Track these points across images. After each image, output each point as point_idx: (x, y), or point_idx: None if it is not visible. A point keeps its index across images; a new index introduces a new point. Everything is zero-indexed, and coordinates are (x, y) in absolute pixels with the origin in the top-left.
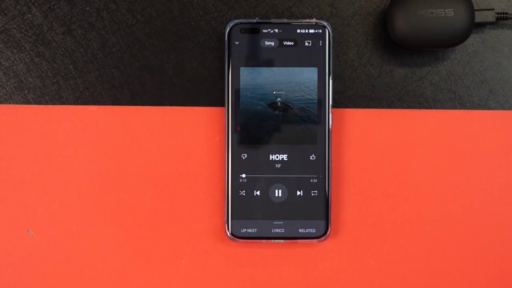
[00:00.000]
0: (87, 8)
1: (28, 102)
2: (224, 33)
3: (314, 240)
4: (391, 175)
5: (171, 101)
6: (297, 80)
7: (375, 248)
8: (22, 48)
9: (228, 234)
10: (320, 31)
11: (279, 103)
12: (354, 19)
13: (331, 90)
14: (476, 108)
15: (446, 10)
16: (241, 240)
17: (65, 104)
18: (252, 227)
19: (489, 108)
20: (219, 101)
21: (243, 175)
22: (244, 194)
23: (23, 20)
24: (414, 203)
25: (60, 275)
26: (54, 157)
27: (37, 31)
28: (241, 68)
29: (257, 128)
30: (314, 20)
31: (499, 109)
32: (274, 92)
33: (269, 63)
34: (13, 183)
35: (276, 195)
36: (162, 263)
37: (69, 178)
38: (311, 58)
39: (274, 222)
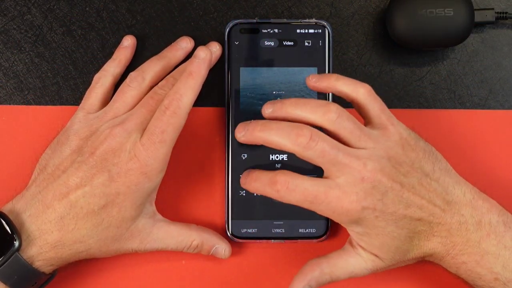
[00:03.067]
0: (87, 9)
1: (28, 102)
2: (224, 33)
3: (314, 240)
4: None
5: None
6: (297, 80)
7: None
8: (22, 48)
9: (228, 234)
10: (320, 31)
11: None
12: (353, 19)
13: None
14: (476, 108)
15: (445, 9)
16: (241, 240)
17: (65, 104)
18: (252, 227)
19: (489, 108)
20: (219, 101)
21: None
22: (244, 194)
23: (23, 20)
24: None
25: (60, 275)
26: None
27: (37, 32)
28: (241, 68)
29: None
30: (314, 20)
31: (499, 108)
32: (274, 92)
33: (269, 63)
34: (13, 182)
35: None
36: (163, 263)
37: None
38: (311, 58)
39: (274, 222)
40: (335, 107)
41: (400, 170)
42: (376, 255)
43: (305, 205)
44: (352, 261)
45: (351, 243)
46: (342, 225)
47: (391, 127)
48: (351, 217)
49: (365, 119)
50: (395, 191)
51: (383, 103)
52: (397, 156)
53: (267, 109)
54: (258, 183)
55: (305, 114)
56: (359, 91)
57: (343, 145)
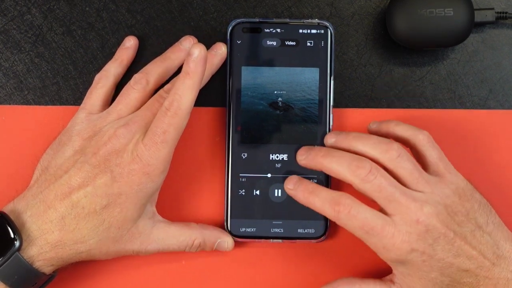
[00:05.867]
0: (87, 9)
1: (28, 102)
2: (226, 33)
3: (313, 241)
4: None
5: None
6: (298, 80)
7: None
8: (22, 48)
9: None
10: (322, 31)
11: (280, 103)
12: (353, 19)
13: (332, 91)
14: (476, 108)
15: (445, 9)
16: (240, 239)
17: (65, 104)
18: (251, 227)
19: (489, 108)
20: (219, 101)
21: (243, 175)
22: (243, 194)
23: (22, 20)
24: None
25: (59, 276)
26: None
27: (36, 32)
28: (243, 68)
29: (258, 127)
30: (316, 21)
31: (499, 108)
32: (275, 92)
33: (271, 63)
34: (13, 183)
35: (276, 194)
36: (162, 263)
37: None
38: (313, 58)
39: (273, 222)
40: (396, 146)
41: (455, 219)
42: None
43: (359, 233)
44: None
45: (392, 280)
46: (387, 262)
47: (449, 176)
48: (399, 256)
49: (423, 165)
50: (448, 238)
51: (441, 151)
52: (453, 205)
53: (330, 139)
54: (316, 198)
55: (367, 149)
56: (418, 137)
57: (400, 185)
